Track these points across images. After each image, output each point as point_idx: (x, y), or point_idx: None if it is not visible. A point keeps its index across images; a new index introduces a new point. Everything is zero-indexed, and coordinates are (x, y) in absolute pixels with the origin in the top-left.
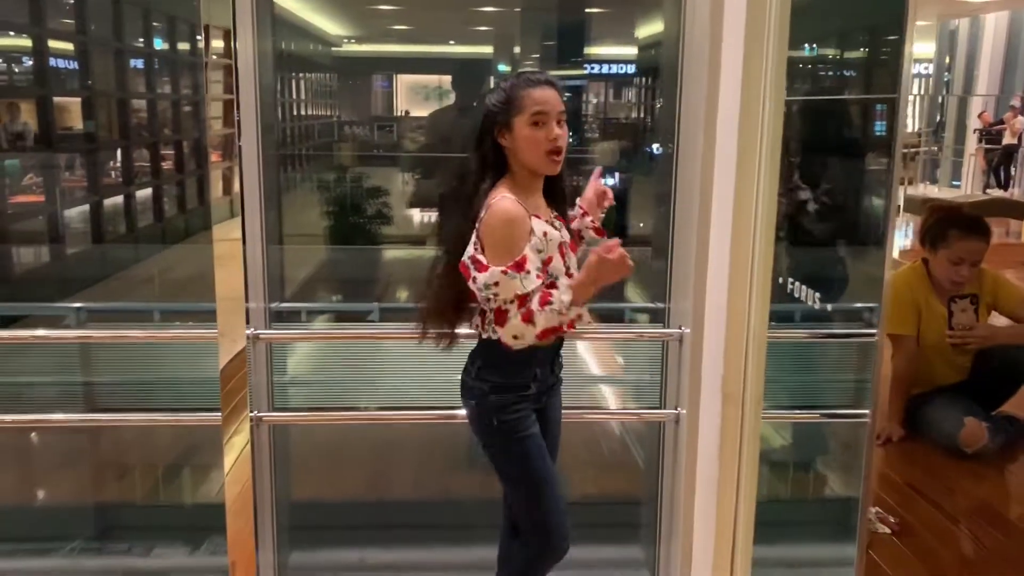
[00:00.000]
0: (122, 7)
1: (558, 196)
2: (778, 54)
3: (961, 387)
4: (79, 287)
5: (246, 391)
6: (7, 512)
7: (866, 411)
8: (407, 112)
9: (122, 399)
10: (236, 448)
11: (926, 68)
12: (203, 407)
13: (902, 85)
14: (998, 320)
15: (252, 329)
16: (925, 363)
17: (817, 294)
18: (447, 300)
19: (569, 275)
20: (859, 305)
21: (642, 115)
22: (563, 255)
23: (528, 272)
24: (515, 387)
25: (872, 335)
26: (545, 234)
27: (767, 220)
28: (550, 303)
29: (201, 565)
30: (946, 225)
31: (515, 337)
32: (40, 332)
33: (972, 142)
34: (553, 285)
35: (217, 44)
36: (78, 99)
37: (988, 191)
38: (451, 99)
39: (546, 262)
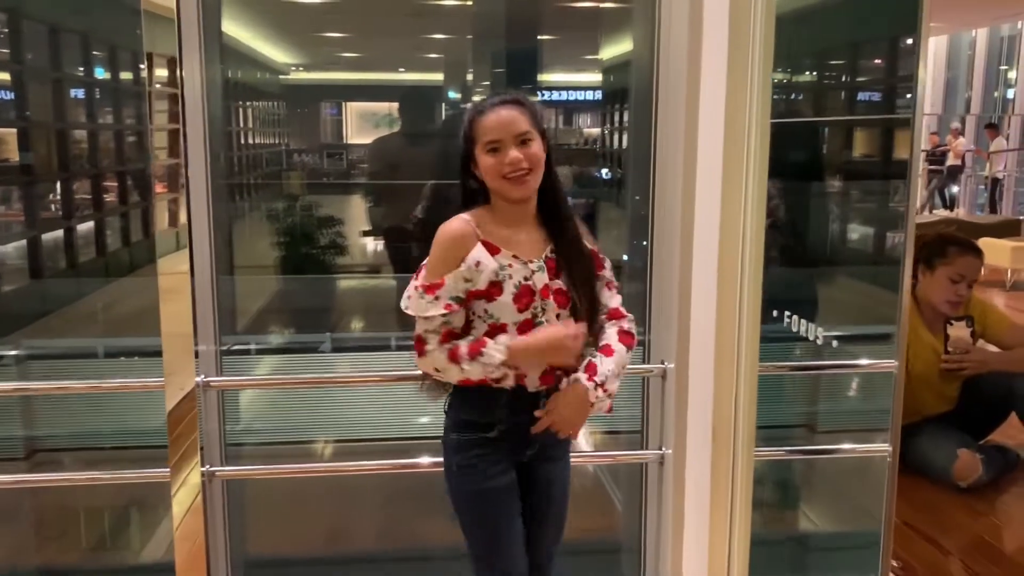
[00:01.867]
0: (60, 36)
1: (555, 225)
2: (763, 72)
3: (949, 417)
4: (16, 325)
5: (196, 441)
6: None
7: (886, 446)
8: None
9: (63, 445)
10: (185, 504)
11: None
12: (149, 451)
13: (917, 104)
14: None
15: (203, 376)
16: (913, 393)
17: (820, 329)
18: None
19: (527, 324)
20: (871, 332)
21: (601, 141)
22: (528, 297)
23: (436, 298)
24: (474, 426)
25: (891, 365)
26: (478, 264)
27: (755, 245)
28: (480, 354)
29: None
30: (944, 244)
31: (436, 370)
32: None
33: (919, 163)
34: (501, 330)
35: (161, 72)
36: (13, 130)
37: (935, 212)
38: (399, 127)
39: (472, 295)
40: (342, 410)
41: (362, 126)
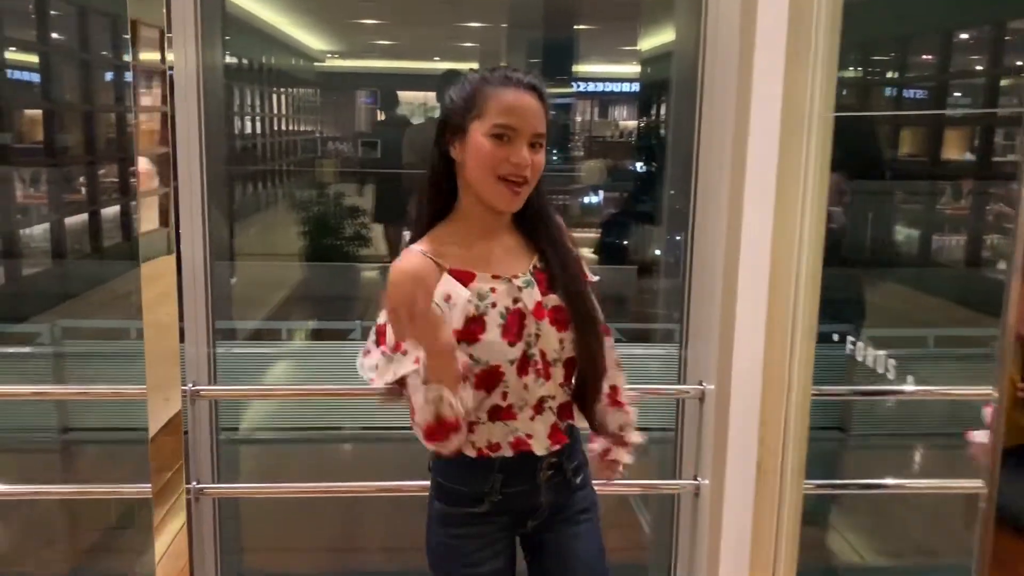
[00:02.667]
0: (88, 17)
1: (540, 231)
2: (828, 61)
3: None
4: (48, 304)
5: (181, 464)
6: None
7: (979, 482)
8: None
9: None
10: (170, 531)
11: None
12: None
13: None
14: None
15: (191, 384)
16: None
17: (892, 361)
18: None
19: (545, 359)
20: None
21: (636, 133)
22: (519, 324)
23: (405, 353)
24: (459, 498)
25: (988, 395)
26: (448, 298)
27: (813, 251)
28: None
29: None
30: None
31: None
32: None
33: None
34: (495, 376)
35: (152, 47)
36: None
37: None
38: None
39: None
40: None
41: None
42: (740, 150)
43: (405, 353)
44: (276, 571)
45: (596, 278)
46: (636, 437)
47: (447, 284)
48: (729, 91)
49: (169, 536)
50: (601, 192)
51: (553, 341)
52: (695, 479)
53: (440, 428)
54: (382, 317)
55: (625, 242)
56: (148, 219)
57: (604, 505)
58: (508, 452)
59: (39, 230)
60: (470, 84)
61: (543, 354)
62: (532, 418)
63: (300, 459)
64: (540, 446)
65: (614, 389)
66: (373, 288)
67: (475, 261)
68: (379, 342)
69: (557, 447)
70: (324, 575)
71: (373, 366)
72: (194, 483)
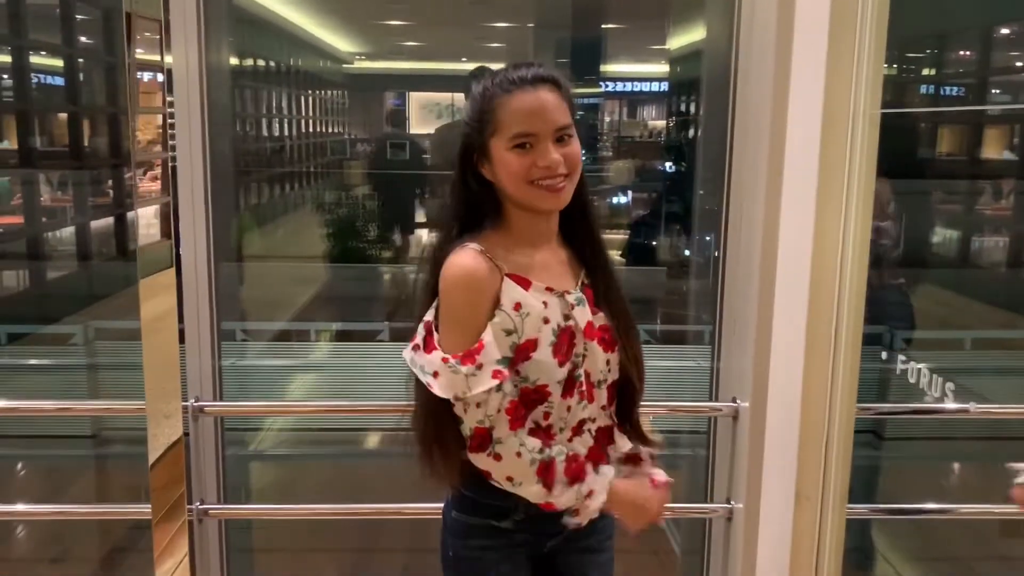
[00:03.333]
0: (113, 21)
1: (586, 242)
2: (874, 57)
3: None
4: (81, 304)
5: (183, 490)
6: None
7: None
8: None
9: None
10: (173, 559)
11: None
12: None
13: None
14: None
15: (194, 400)
16: None
17: (950, 385)
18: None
19: (589, 380)
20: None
21: (666, 133)
22: (569, 343)
23: (480, 367)
24: (484, 510)
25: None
26: (518, 306)
27: (859, 258)
28: (580, 483)
29: None
30: None
31: (509, 479)
32: None
33: None
34: (541, 394)
35: (150, 44)
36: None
37: None
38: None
39: (523, 348)
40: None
41: (425, 116)
42: (777, 150)
43: (480, 368)
44: None
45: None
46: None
47: (513, 292)
48: (765, 88)
49: (172, 564)
50: (630, 192)
51: (600, 362)
52: (728, 503)
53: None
54: (430, 314)
55: (654, 243)
56: (146, 231)
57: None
58: None
59: (67, 232)
60: (477, 101)
61: (587, 375)
62: (570, 439)
63: (319, 474)
64: None
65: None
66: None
67: (528, 269)
68: (427, 342)
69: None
70: None
71: (431, 371)
72: (197, 504)
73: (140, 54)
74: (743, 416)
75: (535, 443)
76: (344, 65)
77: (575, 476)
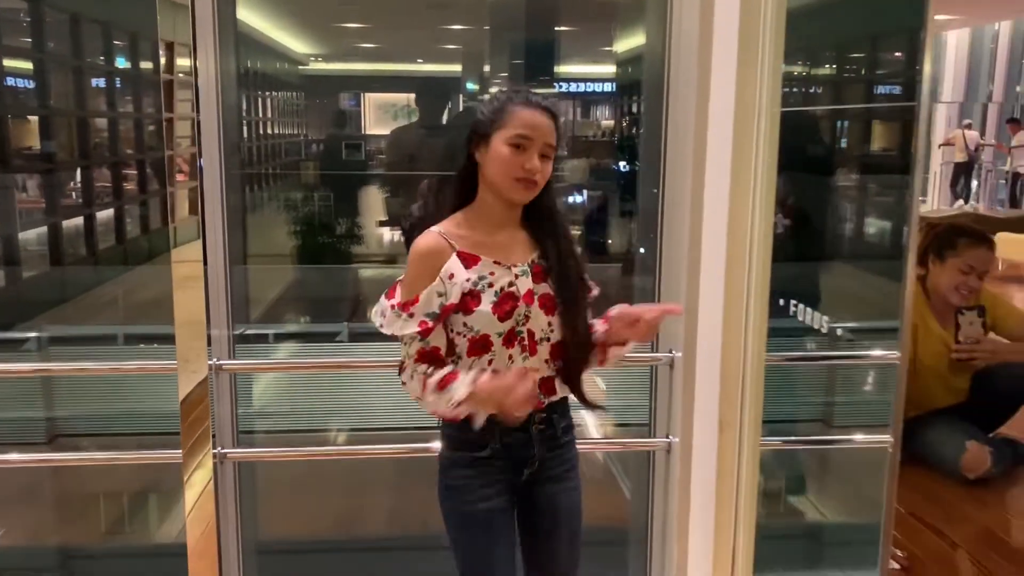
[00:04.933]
0: (81, 25)
1: (546, 230)
2: (773, 63)
3: (958, 410)
4: (38, 311)
5: (208, 424)
6: None
7: (887, 437)
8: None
9: (83, 430)
10: (198, 486)
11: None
12: (166, 436)
13: (923, 97)
14: None
15: (215, 359)
16: (922, 385)
17: (825, 317)
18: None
19: (532, 338)
20: (878, 325)
21: (615, 133)
22: (510, 304)
23: (411, 316)
24: (466, 445)
25: (895, 357)
26: (451, 276)
27: (764, 235)
28: (447, 390)
29: None
30: (952, 235)
31: (417, 399)
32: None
33: (937, 158)
34: (485, 343)
35: (181, 62)
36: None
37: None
38: (416, 118)
39: (448, 309)
40: (356, 399)
41: (381, 117)
42: (701, 148)
43: (412, 316)
44: (292, 536)
45: (596, 292)
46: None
47: (453, 264)
48: (691, 91)
49: (196, 495)
50: (585, 192)
51: (542, 323)
52: (667, 437)
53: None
54: (399, 278)
55: (608, 240)
56: (180, 210)
57: (587, 473)
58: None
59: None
60: (499, 101)
61: (531, 333)
62: None
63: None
64: None
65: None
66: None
67: (482, 247)
68: (388, 295)
69: (539, 409)
70: (336, 539)
71: (381, 312)
72: (218, 449)
73: (180, 74)
74: (677, 364)
75: (424, 367)
76: (300, 67)
77: (445, 383)
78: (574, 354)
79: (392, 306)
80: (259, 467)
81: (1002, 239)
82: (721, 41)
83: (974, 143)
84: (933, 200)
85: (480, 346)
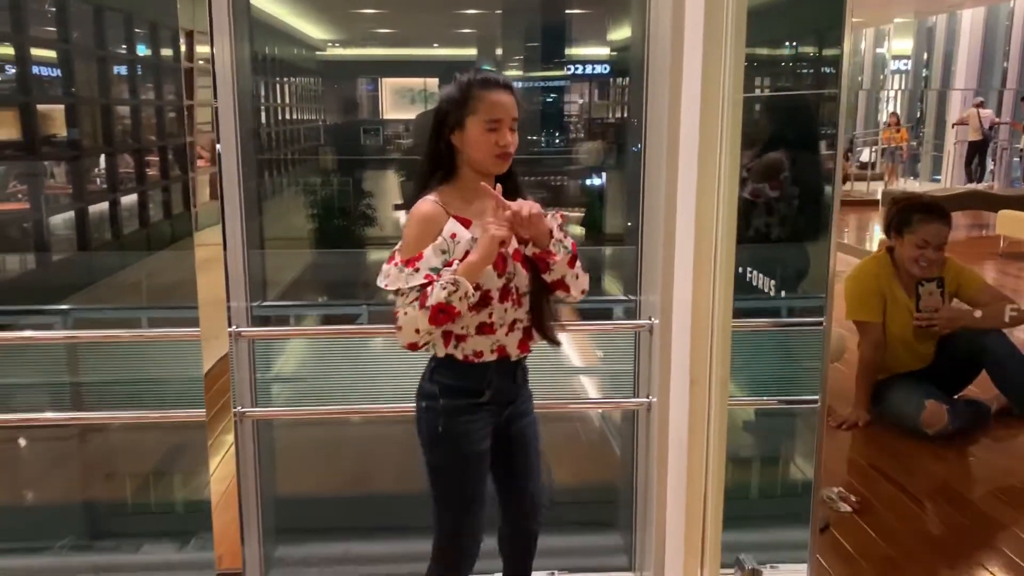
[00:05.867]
0: (103, 15)
1: (510, 189)
2: (735, 53)
3: (923, 373)
4: (66, 293)
5: (230, 394)
6: None
7: (816, 397)
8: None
9: (108, 399)
10: (222, 447)
11: (905, 64)
12: (188, 405)
13: (842, 82)
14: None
15: (235, 326)
16: (889, 351)
17: (772, 282)
18: None
19: (519, 292)
20: (813, 296)
21: (622, 115)
22: (503, 261)
23: (417, 270)
24: (467, 392)
25: (819, 323)
26: (454, 235)
27: (728, 215)
28: (439, 286)
29: (189, 560)
30: (909, 212)
31: (417, 331)
32: (28, 333)
33: (951, 137)
34: (486, 298)
35: (200, 49)
36: (61, 106)
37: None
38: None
39: (451, 264)
40: (375, 376)
41: (398, 102)
42: (674, 132)
43: (417, 270)
44: (309, 491)
45: (560, 218)
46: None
47: (453, 226)
48: (666, 76)
49: (220, 456)
50: (604, 174)
51: (524, 279)
52: (648, 397)
53: (447, 312)
54: (398, 246)
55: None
56: (201, 195)
57: (584, 437)
58: (492, 357)
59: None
60: (461, 88)
61: (517, 288)
62: (507, 334)
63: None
64: (513, 353)
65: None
66: None
67: (472, 213)
68: (389, 261)
69: (523, 355)
70: (347, 495)
71: (385, 274)
72: (238, 408)
73: (200, 62)
74: (656, 330)
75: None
76: (317, 52)
77: (430, 285)
78: (536, 295)
79: (395, 264)
80: (277, 429)
81: (1004, 217)
82: (691, 31)
83: (988, 121)
84: (946, 179)
85: (481, 301)
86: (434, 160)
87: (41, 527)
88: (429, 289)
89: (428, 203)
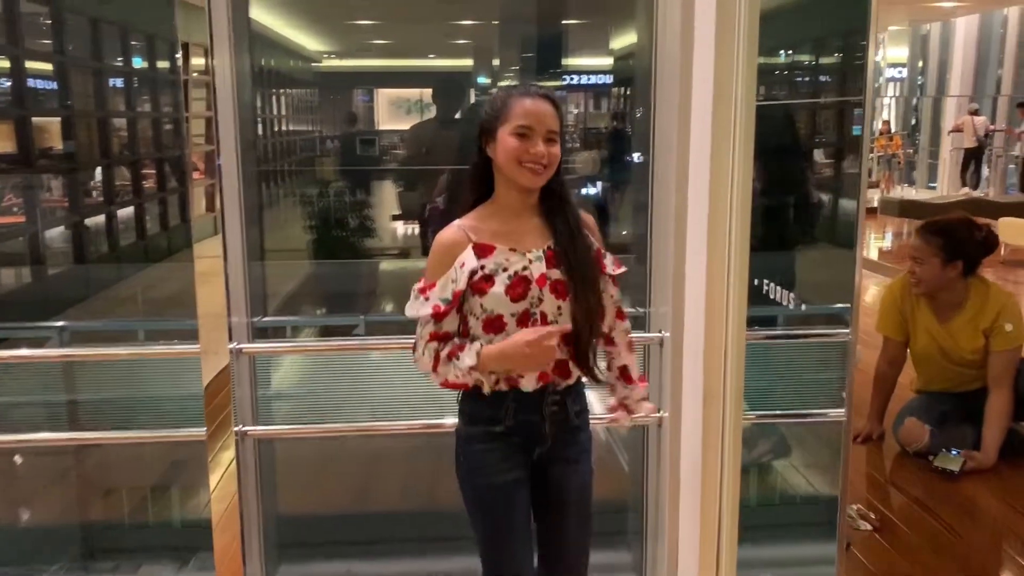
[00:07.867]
0: (99, 27)
1: (556, 213)
2: (748, 60)
3: (951, 395)
4: (62, 307)
5: (230, 409)
6: None
7: (842, 410)
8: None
9: (106, 418)
10: (222, 465)
11: (899, 71)
12: (187, 423)
13: (867, 88)
14: None
15: (235, 343)
16: (918, 369)
17: (792, 294)
18: None
19: (545, 320)
20: (837, 306)
21: (621, 124)
22: (523, 286)
23: (427, 299)
24: (481, 420)
25: (846, 334)
26: (462, 265)
27: (742, 224)
28: (456, 359)
29: None
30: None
31: (429, 372)
32: (23, 352)
33: (947, 144)
34: (499, 323)
35: (197, 62)
36: (58, 119)
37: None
38: (432, 112)
39: (457, 294)
40: (377, 391)
41: (394, 112)
42: (684, 143)
43: (428, 300)
44: (311, 510)
45: (622, 269)
46: (645, 408)
47: (465, 255)
48: (675, 84)
49: (220, 474)
50: (599, 183)
51: (552, 307)
52: (659, 412)
53: (452, 386)
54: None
55: (623, 232)
56: (199, 206)
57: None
58: (503, 386)
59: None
60: (499, 99)
61: (543, 315)
62: None
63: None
64: (529, 384)
65: (624, 368)
66: None
67: (499, 237)
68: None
69: (542, 385)
70: (355, 515)
71: (411, 298)
72: (239, 426)
73: (195, 74)
74: (667, 343)
75: (436, 344)
76: (313, 64)
77: (452, 354)
78: (583, 334)
79: (414, 289)
80: (278, 447)
81: (1003, 224)
82: (701, 37)
83: (983, 128)
84: (943, 187)
85: (495, 326)
86: (474, 177)
87: (37, 547)
88: (445, 353)
89: (452, 229)
